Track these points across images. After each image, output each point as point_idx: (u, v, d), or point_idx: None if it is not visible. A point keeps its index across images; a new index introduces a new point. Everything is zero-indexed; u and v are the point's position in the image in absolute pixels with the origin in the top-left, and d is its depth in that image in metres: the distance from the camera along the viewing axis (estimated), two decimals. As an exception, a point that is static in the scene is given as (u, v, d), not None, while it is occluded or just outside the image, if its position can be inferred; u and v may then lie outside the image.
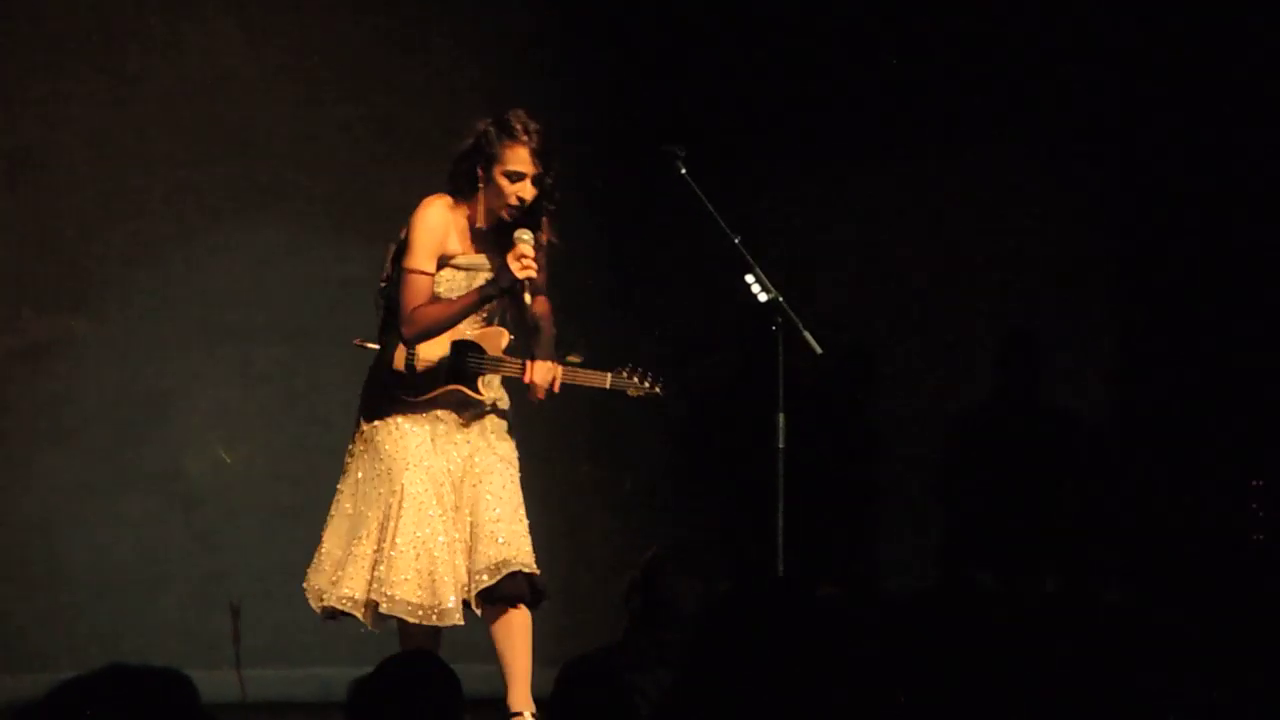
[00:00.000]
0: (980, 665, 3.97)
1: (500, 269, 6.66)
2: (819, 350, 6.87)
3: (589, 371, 6.74)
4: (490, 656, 6.65)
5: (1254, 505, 8.46)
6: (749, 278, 6.90)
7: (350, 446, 6.85)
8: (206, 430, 8.81)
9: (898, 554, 9.17)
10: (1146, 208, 9.21)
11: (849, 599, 7.51)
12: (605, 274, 9.06)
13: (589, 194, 9.12)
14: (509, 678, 6.63)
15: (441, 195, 6.75)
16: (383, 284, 6.83)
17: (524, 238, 6.63)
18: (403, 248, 6.74)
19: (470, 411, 6.76)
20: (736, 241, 6.90)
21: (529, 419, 6.96)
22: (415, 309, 6.65)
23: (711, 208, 6.89)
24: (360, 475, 6.78)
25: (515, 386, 6.77)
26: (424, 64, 9.14)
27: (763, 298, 6.88)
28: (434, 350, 6.70)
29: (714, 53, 9.27)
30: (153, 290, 8.78)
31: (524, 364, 6.68)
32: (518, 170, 6.64)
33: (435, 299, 6.70)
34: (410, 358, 6.69)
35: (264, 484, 8.85)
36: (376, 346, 6.79)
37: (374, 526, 6.69)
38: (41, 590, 8.58)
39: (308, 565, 6.84)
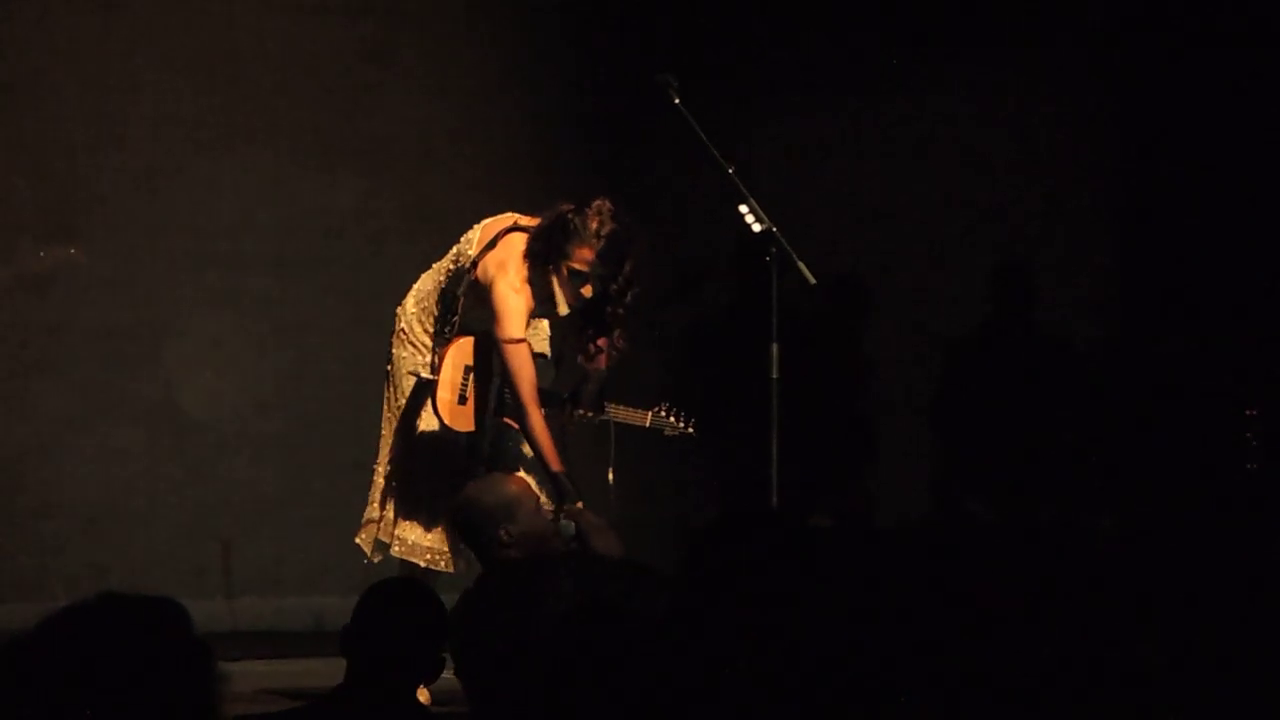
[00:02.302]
0: (972, 595, 3.96)
1: (564, 491, 6.54)
2: (813, 280, 6.85)
3: (629, 410, 6.85)
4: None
5: (1248, 434, 8.47)
6: (743, 208, 6.87)
7: (387, 367, 6.90)
8: (196, 361, 8.79)
9: (891, 484, 9.18)
10: (1142, 133, 9.19)
11: (842, 529, 7.52)
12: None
13: (582, 124, 9.10)
14: None
15: (521, 262, 6.63)
16: (455, 316, 6.74)
17: (565, 532, 6.50)
18: (476, 290, 6.67)
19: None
20: (730, 171, 6.87)
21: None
22: (533, 398, 6.57)
23: (705, 137, 6.86)
24: (387, 396, 6.87)
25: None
26: (415, -9, 9.10)
27: (757, 228, 6.86)
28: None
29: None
30: (141, 221, 8.74)
31: (567, 407, 6.76)
32: (580, 270, 6.59)
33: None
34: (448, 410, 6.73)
35: (253, 414, 8.84)
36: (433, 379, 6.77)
37: (388, 457, 6.83)
38: (32, 520, 8.58)
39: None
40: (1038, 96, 9.26)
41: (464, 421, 6.71)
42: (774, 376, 6.84)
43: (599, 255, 6.53)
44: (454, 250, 6.79)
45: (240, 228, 8.84)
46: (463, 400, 6.71)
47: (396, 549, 6.74)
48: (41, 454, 8.62)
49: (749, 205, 6.87)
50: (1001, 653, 3.82)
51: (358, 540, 6.88)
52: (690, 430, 6.91)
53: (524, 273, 6.63)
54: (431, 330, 6.80)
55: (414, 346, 6.82)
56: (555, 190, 6.78)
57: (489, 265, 6.65)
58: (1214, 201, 8.97)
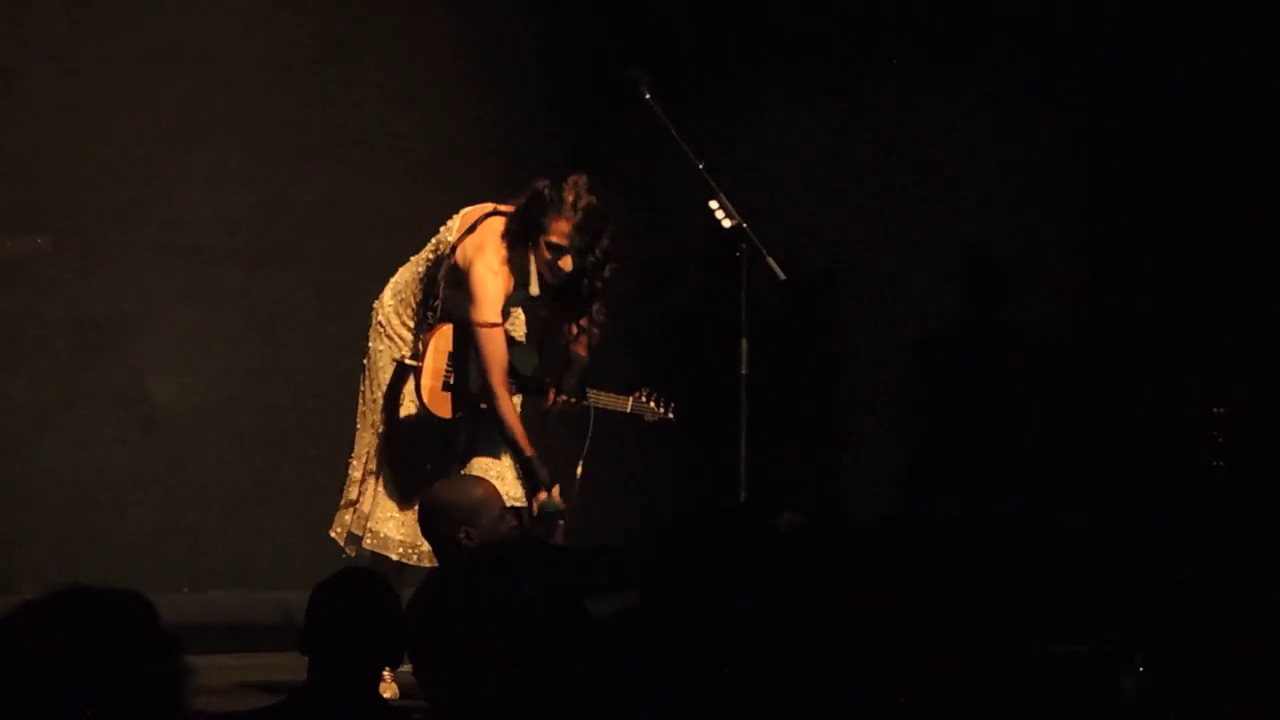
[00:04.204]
0: (942, 591, 3.96)
1: (541, 475, 6.61)
2: (783, 276, 6.86)
3: (610, 396, 6.88)
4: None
5: (1215, 432, 8.49)
6: (713, 203, 6.88)
7: (363, 360, 6.90)
8: (165, 353, 8.77)
9: (862, 480, 9.19)
10: (1115, 131, 9.20)
11: (811, 526, 7.52)
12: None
13: (551, 118, 9.09)
14: None
15: (500, 243, 6.68)
16: (437, 301, 6.74)
17: (549, 508, 6.60)
18: (456, 275, 6.68)
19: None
20: (701, 167, 6.87)
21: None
22: (501, 381, 6.61)
23: (675, 133, 6.86)
24: (362, 390, 6.86)
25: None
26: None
27: (727, 224, 6.87)
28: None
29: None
30: (111, 213, 8.71)
31: (550, 392, 6.79)
32: (558, 244, 6.60)
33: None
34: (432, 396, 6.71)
35: (222, 407, 8.82)
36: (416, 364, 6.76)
37: (363, 451, 6.77)
38: (0, 512, 8.55)
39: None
40: (1011, 95, 9.26)
41: (447, 408, 6.72)
42: (743, 372, 6.85)
43: (576, 228, 6.56)
44: (433, 240, 6.81)
45: (210, 220, 8.82)
46: (447, 387, 6.72)
47: (369, 542, 6.74)
48: (10, 445, 8.59)
49: (719, 201, 6.88)
50: (972, 649, 3.82)
51: (333, 534, 6.88)
52: (670, 416, 6.93)
53: (503, 253, 6.66)
54: (411, 321, 6.81)
55: (392, 339, 6.82)
56: (524, 185, 6.78)
57: (468, 248, 6.67)
58: (1185, 200, 8.99)
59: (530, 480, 6.62)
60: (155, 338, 8.76)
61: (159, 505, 8.73)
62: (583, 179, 6.62)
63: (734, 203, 6.87)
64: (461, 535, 6.00)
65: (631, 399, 6.92)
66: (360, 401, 6.89)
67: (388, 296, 6.86)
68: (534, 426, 6.82)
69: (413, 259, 6.87)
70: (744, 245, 6.85)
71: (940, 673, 3.74)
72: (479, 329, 6.62)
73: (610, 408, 6.89)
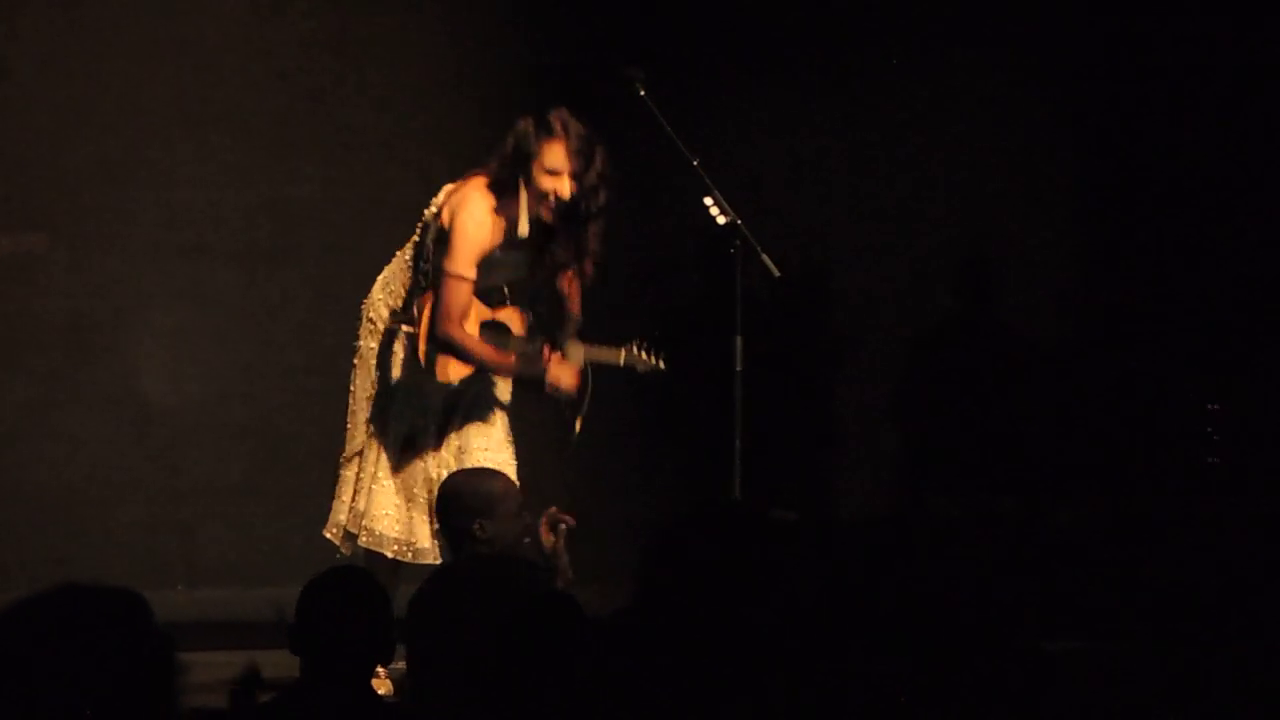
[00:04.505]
0: (935, 589, 3.96)
1: (540, 369, 6.61)
2: (777, 273, 6.86)
3: (603, 349, 6.80)
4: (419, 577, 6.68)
5: (1209, 429, 8.49)
6: (707, 200, 6.88)
7: (355, 359, 6.83)
8: (159, 350, 8.76)
9: (855, 477, 9.18)
10: (1107, 127, 9.20)
11: (805, 523, 7.53)
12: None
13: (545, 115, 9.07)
14: None
15: (486, 192, 6.62)
16: (425, 268, 6.70)
17: (575, 356, 6.59)
18: (443, 238, 6.63)
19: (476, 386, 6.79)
20: (695, 164, 6.87)
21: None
22: (452, 325, 6.55)
23: (671, 130, 6.86)
24: (354, 388, 6.81)
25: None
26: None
27: (721, 220, 6.86)
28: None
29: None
30: (104, 210, 8.71)
31: (545, 350, 6.71)
32: (554, 167, 6.55)
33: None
34: (430, 359, 6.66)
35: (216, 404, 8.81)
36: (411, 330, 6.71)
37: (355, 449, 6.76)
38: (-7, 508, 8.56)
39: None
40: (1005, 91, 9.26)
41: (447, 370, 6.67)
42: (738, 369, 6.85)
43: (570, 152, 6.52)
44: (419, 225, 6.77)
45: (203, 218, 8.82)
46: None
47: (364, 539, 6.71)
48: (3, 442, 8.59)
49: (714, 198, 6.87)
50: (968, 648, 3.82)
51: (327, 534, 6.85)
52: (661, 366, 6.84)
53: (489, 203, 6.59)
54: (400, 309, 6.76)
55: (382, 335, 6.80)
56: (500, 141, 6.73)
57: (452, 203, 6.62)
58: (1179, 197, 8.99)
59: (534, 378, 6.60)
60: (149, 335, 8.76)
61: (152, 502, 8.72)
62: (564, 109, 6.58)
63: (728, 200, 6.86)
64: (476, 527, 5.93)
65: (624, 350, 6.81)
66: (350, 400, 6.86)
67: (376, 291, 6.82)
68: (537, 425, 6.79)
69: (399, 252, 6.84)
70: (738, 242, 6.85)
71: (934, 671, 3.74)
72: (446, 277, 6.55)
73: (604, 360, 6.81)
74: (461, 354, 6.59)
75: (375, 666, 4.40)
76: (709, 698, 3.68)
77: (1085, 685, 3.99)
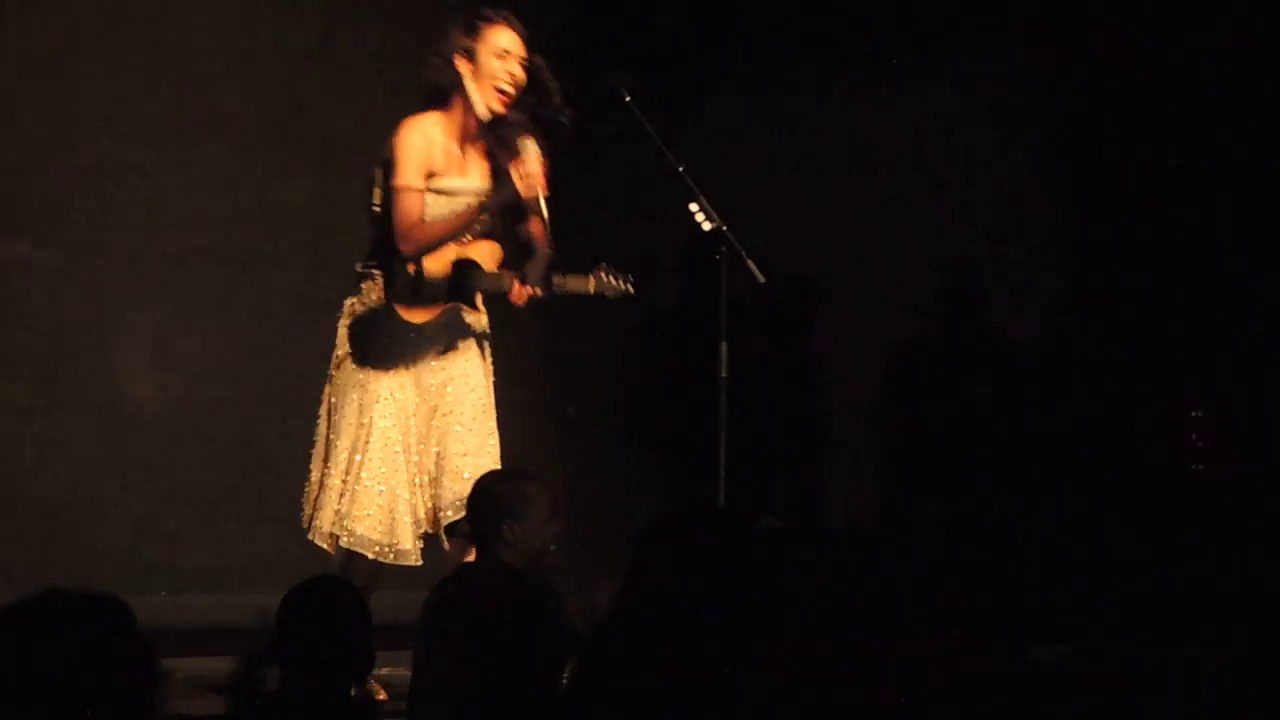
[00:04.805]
0: (916, 595, 3.97)
1: (502, 181, 6.55)
2: (763, 279, 6.86)
3: (574, 279, 6.71)
4: (402, 583, 6.66)
5: (1193, 436, 8.51)
6: (693, 206, 6.87)
7: (330, 371, 6.79)
8: (143, 356, 8.75)
9: (841, 483, 9.19)
10: (1091, 136, 9.22)
11: (790, 530, 7.53)
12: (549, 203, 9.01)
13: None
14: None
15: (424, 112, 6.62)
16: (376, 208, 6.69)
17: (529, 147, 6.53)
18: (389, 168, 6.62)
19: (454, 334, 6.70)
20: (681, 170, 6.87)
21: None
22: (411, 226, 6.53)
23: (657, 136, 6.86)
24: (334, 401, 6.76)
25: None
26: (365, -14, 9.08)
27: (707, 226, 6.86)
28: (433, 268, 6.63)
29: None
30: (90, 215, 8.71)
31: (514, 282, 6.62)
32: (506, 47, 6.56)
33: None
34: (418, 271, 6.58)
35: (200, 410, 8.81)
36: (379, 271, 6.66)
37: (343, 458, 6.68)
38: (-23, 515, 8.54)
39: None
40: (991, 96, 9.28)
41: (417, 312, 6.64)
42: (723, 375, 6.84)
43: (518, 31, 6.52)
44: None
45: (189, 223, 8.82)
46: (411, 288, 6.62)
47: (346, 540, 6.69)
48: (-13, 448, 8.59)
49: (699, 203, 6.87)
50: (952, 651, 3.83)
51: (315, 539, 6.81)
52: (631, 290, 6.79)
53: (430, 117, 6.58)
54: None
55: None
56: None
57: (391, 136, 6.60)
58: (1165, 204, 9.00)
59: (502, 188, 6.53)
60: (133, 340, 8.75)
61: (136, 508, 8.71)
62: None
63: (714, 206, 6.86)
64: (505, 529, 5.88)
65: (593, 278, 6.73)
66: (323, 404, 6.82)
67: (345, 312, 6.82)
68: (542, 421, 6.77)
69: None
70: (724, 248, 6.85)
71: (918, 675, 3.74)
72: (395, 193, 6.52)
73: (576, 291, 6.74)
74: (431, 245, 6.54)
75: (353, 676, 4.38)
76: (691, 702, 3.68)
77: (1073, 689, 3.99)
